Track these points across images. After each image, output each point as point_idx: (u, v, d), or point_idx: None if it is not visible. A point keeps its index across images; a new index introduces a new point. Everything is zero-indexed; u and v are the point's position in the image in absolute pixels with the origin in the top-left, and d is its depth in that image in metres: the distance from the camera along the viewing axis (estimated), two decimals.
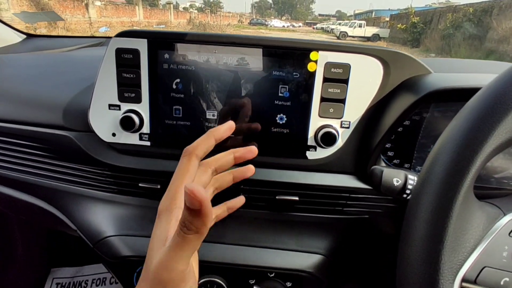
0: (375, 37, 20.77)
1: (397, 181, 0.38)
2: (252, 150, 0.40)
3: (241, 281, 0.55)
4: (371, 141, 0.53)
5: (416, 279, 0.28)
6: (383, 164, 0.56)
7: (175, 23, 21.04)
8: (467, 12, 11.25)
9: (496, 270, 0.29)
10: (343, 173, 0.56)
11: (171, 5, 24.20)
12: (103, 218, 0.60)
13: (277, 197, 0.56)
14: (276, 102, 0.52)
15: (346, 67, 0.51)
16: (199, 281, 0.55)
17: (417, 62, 0.52)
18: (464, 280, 0.28)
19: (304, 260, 0.55)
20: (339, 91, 0.51)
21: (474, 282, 0.29)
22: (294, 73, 0.51)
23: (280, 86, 0.52)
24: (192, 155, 0.36)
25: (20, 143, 0.61)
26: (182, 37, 0.51)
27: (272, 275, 0.55)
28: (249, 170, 0.42)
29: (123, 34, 0.52)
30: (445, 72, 0.54)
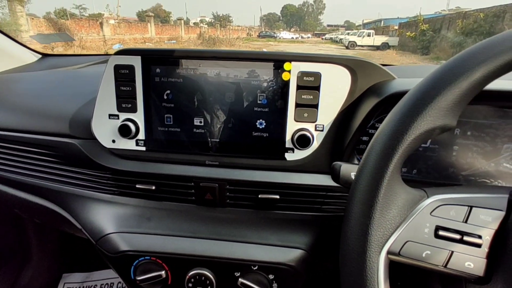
0: (384, 46, 20.68)
1: (354, 175, 0.42)
2: None
3: (228, 274, 0.60)
4: (343, 142, 0.58)
5: (350, 252, 0.32)
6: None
7: (186, 38, 21.63)
8: (478, 18, 10.90)
9: (418, 244, 0.33)
10: (320, 173, 0.60)
11: (182, 21, 24.92)
12: (105, 217, 0.66)
13: (259, 196, 0.61)
14: (255, 108, 0.58)
15: (317, 76, 0.56)
16: (188, 273, 0.60)
17: (382, 69, 0.57)
18: (389, 252, 0.33)
19: (285, 254, 0.60)
20: (312, 97, 0.57)
21: (399, 254, 0.33)
22: (271, 82, 0.57)
23: (259, 94, 0.57)
24: None
25: (32, 151, 0.68)
26: (171, 54, 0.58)
27: (256, 268, 0.59)
28: None
29: (120, 53, 0.59)
30: (408, 77, 0.58)
